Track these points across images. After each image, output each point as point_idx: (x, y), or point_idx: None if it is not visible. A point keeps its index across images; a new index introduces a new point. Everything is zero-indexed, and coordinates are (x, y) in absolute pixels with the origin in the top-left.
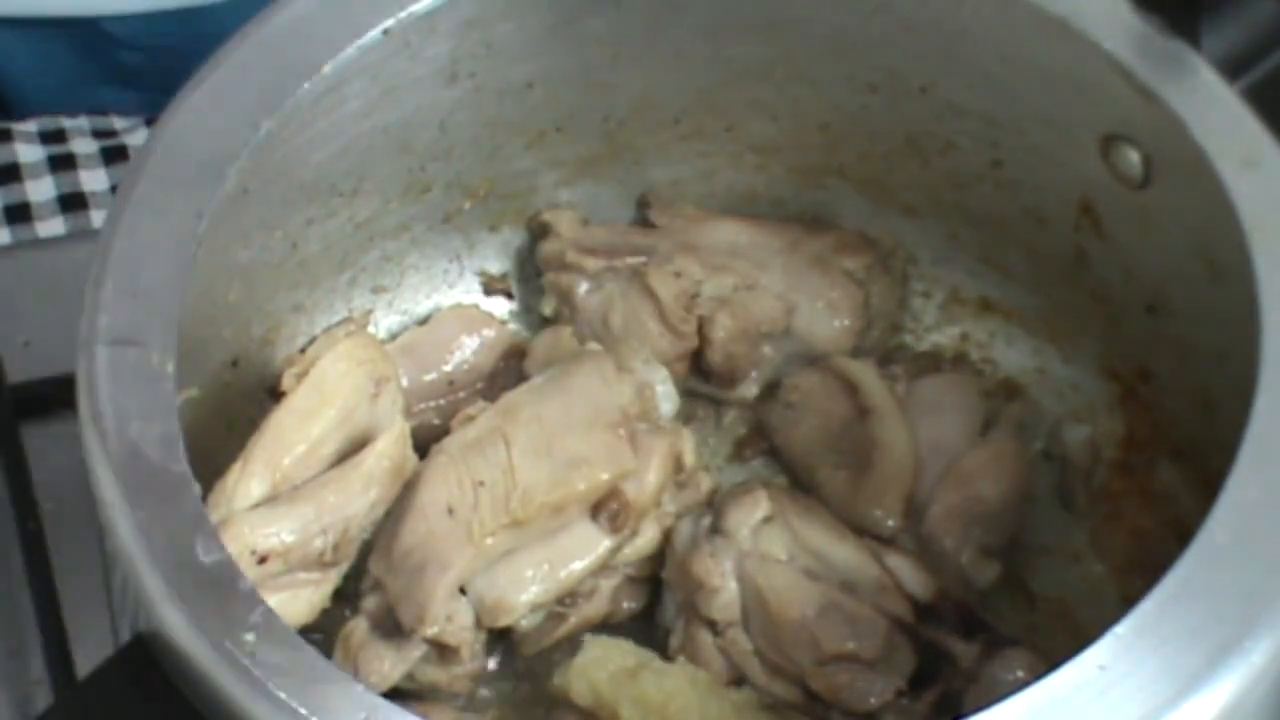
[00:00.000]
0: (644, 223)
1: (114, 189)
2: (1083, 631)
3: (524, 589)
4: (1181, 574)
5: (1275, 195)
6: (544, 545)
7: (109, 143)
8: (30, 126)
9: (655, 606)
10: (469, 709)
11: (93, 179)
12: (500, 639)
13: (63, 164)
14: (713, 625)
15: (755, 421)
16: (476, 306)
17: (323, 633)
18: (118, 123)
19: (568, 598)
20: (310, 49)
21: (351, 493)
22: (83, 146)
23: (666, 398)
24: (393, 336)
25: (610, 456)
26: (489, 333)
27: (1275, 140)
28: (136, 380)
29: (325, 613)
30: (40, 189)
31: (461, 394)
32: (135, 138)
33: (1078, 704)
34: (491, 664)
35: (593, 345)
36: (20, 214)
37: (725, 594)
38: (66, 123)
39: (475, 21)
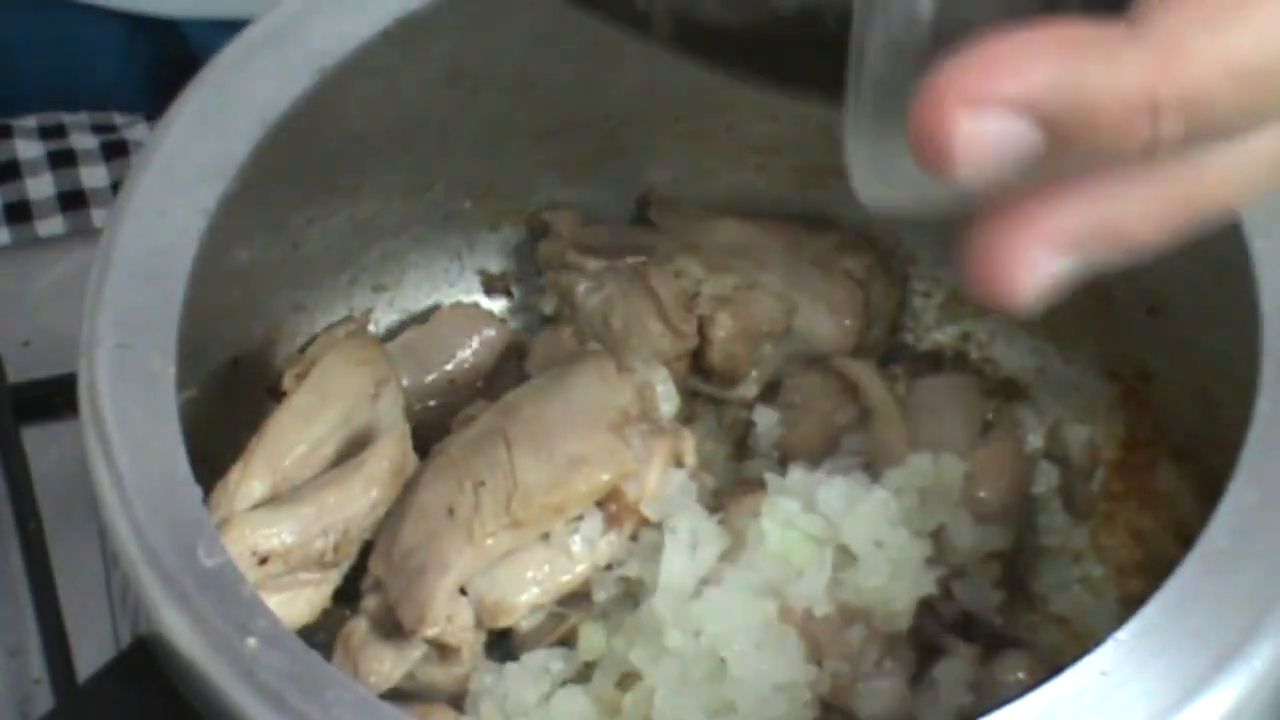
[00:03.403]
0: (644, 223)
1: (114, 186)
2: (1083, 633)
3: (524, 589)
4: (1183, 579)
5: (1276, 195)
6: (544, 546)
7: (109, 138)
8: (30, 122)
9: None
10: (469, 710)
11: (93, 175)
12: (500, 639)
13: (62, 160)
14: None
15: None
16: (477, 305)
17: (323, 633)
18: (118, 118)
19: (568, 598)
20: (310, 49)
21: (352, 493)
22: (82, 142)
23: (666, 398)
24: (393, 335)
25: (610, 457)
26: (489, 332)
27: None
28: (137, 381)
29: (325, 613)
30: (40, 186)
31: (461, 394)
32: (135, 133)
33: (1080, 709)
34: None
35: (593, 345)
36: (20, 212)
37: None
38: (66, 118)
39: (475, 21)
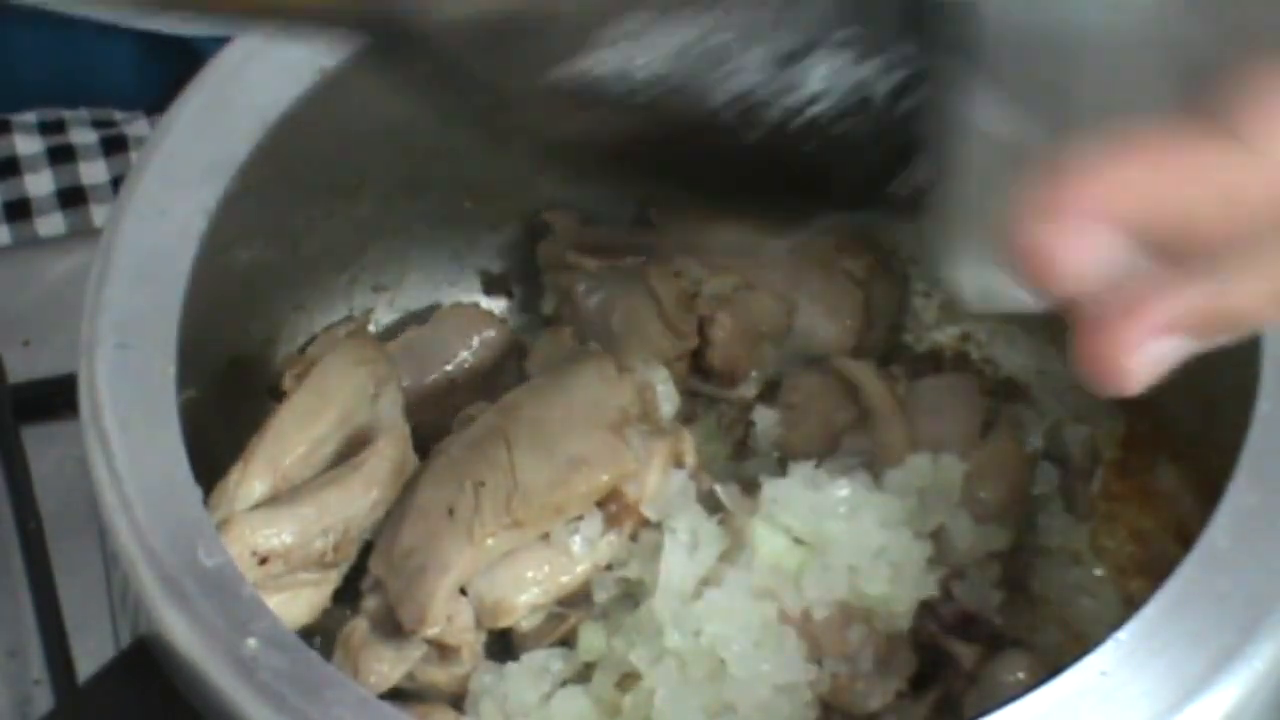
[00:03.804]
0: (644, 223)
1: (114, 182)
2: (1083, 633)
3: (524, 590)
4: (1183, 579)
5: None
6: (544, 546)
7: (108, 133)
8: (29, 117)
9: None
10: (469, 710)
11: (92, 171)
12: (500, 639)
13: (61, 156)
14: None
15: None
16: (477, 305)
17: (323, 633)
18: (117, 114)
19: (568, 598)
20: (310, 49)
21: (352, 493)
22: (81, 137)
23: (666, 398)
24: (393, 335)
25: (610, 457)
26: (489, 332)
27: None
28: (137, 381)
29: (325, 613)
30: (39, 183)
31: (461, 394)
32: (135, 128)
33: (1080, 710)
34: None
35: (593, 345)
36: (20, 210)
37: None
38: (65, 113)
39: None
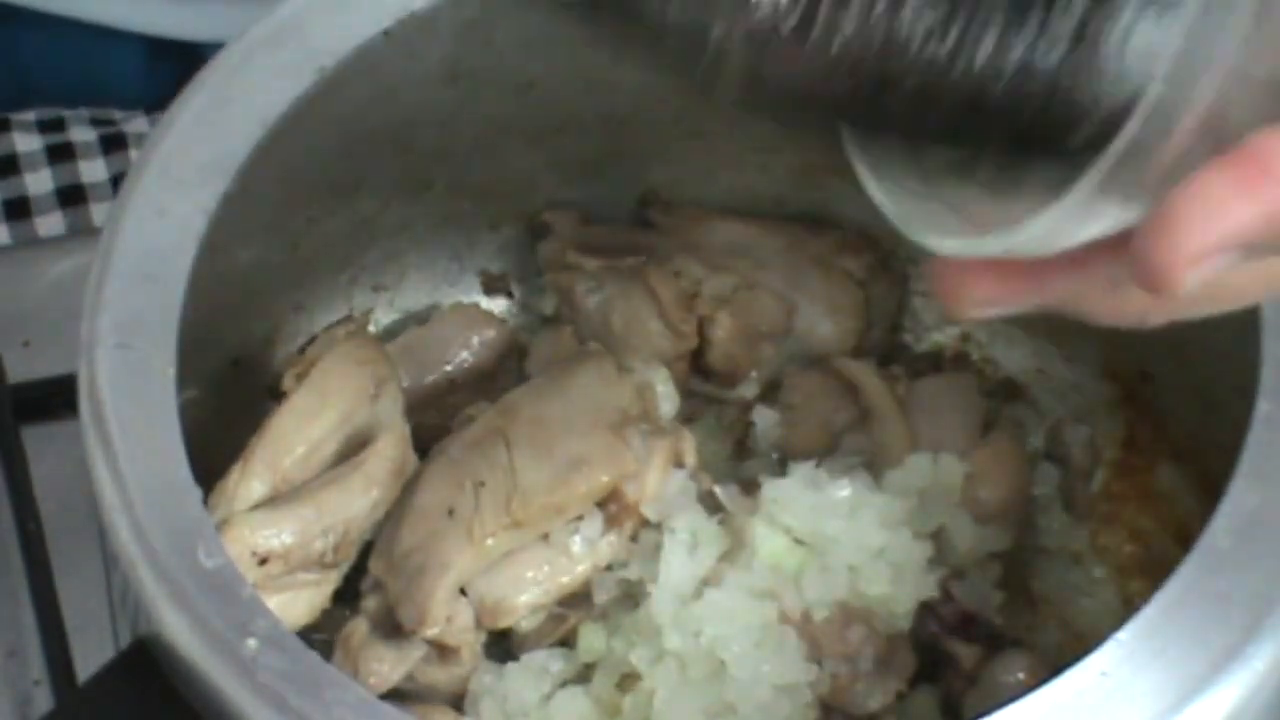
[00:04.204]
0: (644, 223)
1: (113, 180)
2: (1083, 633)
3: (524, 590)
4: (1184, 579)
5: None
6: (544, 546)
7: (107, 131)
8: (28, 116)
9: None
10: (469, 710)
11: (91, 169)
12: (500, 639)
13: (61, 153)
14: None
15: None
16: (477, 306)
17: (322, 633)
18: (116, 113)
19: (568, 599)
20: (310, 49)
21: (352, 494)
22: (80, 135)
23: (666, 398)
24: (393, 335)
25: (610, 457)
26: (489, 332)
27: None
28: (137, 381)
29: (325, 613)
30: (38, 181)
31: (461, 394)
32: (134, 126)
33: (1080, 710)
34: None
35: (593, 345)
36: (19, 209)
37: None
38: (65, 112)
39: (475, 21)
